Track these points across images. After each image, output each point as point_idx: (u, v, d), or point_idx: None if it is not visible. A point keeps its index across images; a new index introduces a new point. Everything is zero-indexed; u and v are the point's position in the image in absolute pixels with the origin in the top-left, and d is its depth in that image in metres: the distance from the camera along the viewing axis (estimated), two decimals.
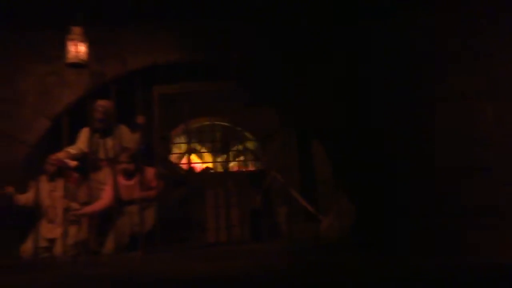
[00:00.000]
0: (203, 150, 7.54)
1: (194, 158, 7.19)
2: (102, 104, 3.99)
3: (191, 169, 5.72)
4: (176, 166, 5.57)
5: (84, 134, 4.05)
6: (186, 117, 4.36)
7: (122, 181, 3.96)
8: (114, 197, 3.85)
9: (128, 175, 3.96)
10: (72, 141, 3.99)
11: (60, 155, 3.80)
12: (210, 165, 7.05)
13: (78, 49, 3.41)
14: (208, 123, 7.21)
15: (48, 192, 4.00)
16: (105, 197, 3.88)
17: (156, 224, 3.86)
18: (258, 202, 4.74)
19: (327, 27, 4.11)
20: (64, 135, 3.91)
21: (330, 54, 4.15)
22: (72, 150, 3.89)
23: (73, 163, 3.81)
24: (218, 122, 7.08)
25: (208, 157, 7.78)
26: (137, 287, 2.90)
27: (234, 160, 7.31)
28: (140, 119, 4.01)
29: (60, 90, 3.98)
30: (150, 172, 4.10)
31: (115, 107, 3.96)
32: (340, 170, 4.33)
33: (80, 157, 3.96)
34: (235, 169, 7.11)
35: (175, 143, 5.24)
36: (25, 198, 3.86)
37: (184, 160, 6.40)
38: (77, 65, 3.53)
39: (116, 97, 3.88)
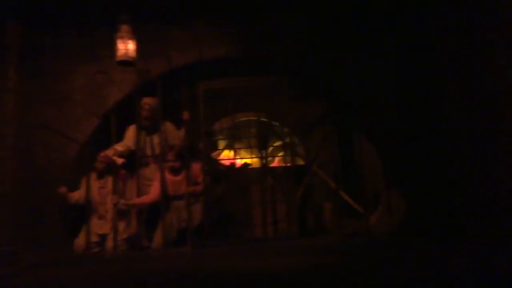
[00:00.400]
0: (240, 146, 7.52)
1: (232, 154, 7.19)
2: (147, 102, 4.03)
3: (231, 165, 5.73)
4: (216, 162, 5.59)
5: (130, 132, 4.11)
6: (230, 113, 4.33)
7: (169, 176, 4.00)
8: (161, 193, 3.90)
9: (175, 171, 4.00)
10: (120, 138, 4.07)
11: (108, 152, 3.88)
12: (248, 161, 7.03)
13: (127, 47, 3.46)
14: (245, 119, 7.18)
15: (98, 189, 4.10)
16: (153, 192, 3.93)
17: (204, 219, 3.88)
18: (299, 198, 4.69)
19: (381, 19, 4.00)
20: (112, 132, 4.00)
21: (383, 49, 4.06)
22: (119, 147, 3.96)
23: (120, 160, 3.87)
24: (255, 118, 7.03)
25: (246, 153, 7.78)
26: (188, 282, 2.92)
27: (273, 156, 7.27)
28: (185, 115, 4.03)
29: (108, 89, 4.06)
30: (196, 167, 4.12)
31: (160, 104, 4.01)
32: (391, 165, 4.23)
33: (127, 154, 4.03)
34: (275, 164, 7.06)
35: (219, 139, 5.24)
36: (77, 196, 3.96)
37: (223, 156, 6.41)
38: (126, 63, 3.58)
39: (162, 93, 3.94)
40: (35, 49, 4.08)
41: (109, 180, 4.11)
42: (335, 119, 5.65)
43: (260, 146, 5.80)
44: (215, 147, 4.76)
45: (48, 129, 4.02)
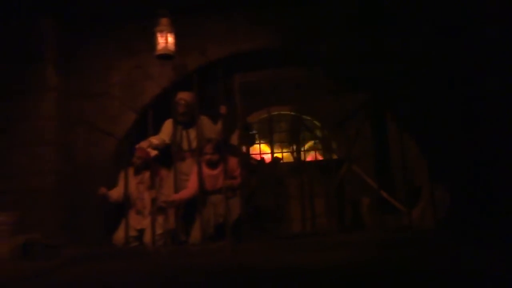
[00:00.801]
0: (270, 140, 7.46)
1: (263, 148, 7.15)
2: (183, 97, 4.00)
3: (261, 159, 5.67)
4: (248, 156, 5.55)
5: (167, 126, 4.09)
6: (264, 106, 4.25)
7: (206, 171, 3.97)
8: (199, 187, 3.88)
9: (212, 165, 3.97)
10: (157, 133, 4.06)
11: (142, 144, 3.86)
12: (279, 155, 6.97)
13: (166, 40, 3.43)
14: (276, 113, 7.11)
15: (136, 185, 4.10)
16: (191, 187, 3.91)
17: (242, 214, 3.84)
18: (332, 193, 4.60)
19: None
20: (149, 127, 3.99)
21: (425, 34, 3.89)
22: (154, 140, 3.95)
23: (153, 152, 3.85)
24: (286, 112, 6.96)
25: (275, 147, 7.73)
26: (229, 278, 2.88)
27: (304, 150, 7.17)
28: (222, 109, 3.98)
29: (145, 83, 4.05)
30: (233, 161, 4.08)
31: (197, 98, 3.97)
32: (434, 159, 4.08)
33: (162, 148, 4.02)
34: (307, 159, 6.98)
35: (255, 133, 5.18)
36: (117, 194, 3.97)
37: (254, 151, 6.37)
38: (166, 57, 3.56)
39: (198, 87, 3.91)
40: (72, 46, 4.11)
41: (146, 176, 4.11)
42: (370, 112, 5.51)
43: (292, 140, 5.71)
44: (252, 141, 4.70)
45: (87, 124, 4.05)
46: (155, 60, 4.05)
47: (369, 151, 5.64)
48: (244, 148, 4.13)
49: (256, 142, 5.37)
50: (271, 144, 4.11)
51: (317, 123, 7.18)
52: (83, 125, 4.05)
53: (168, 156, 4.21)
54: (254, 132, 5.16)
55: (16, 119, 3.80)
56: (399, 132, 4.44)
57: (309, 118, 7.16)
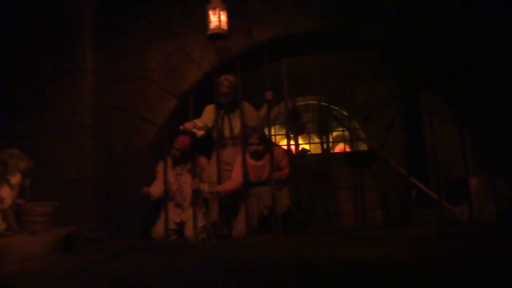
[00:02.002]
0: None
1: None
2: (227, 77, 3.77)
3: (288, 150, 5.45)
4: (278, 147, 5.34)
5: (208, 110, 3.87)
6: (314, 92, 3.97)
7: (251, 161, 3.75)
8: (244, 178, 3.67)
9: (258, 155, 3.75)
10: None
11: (187, 125, 3.64)
12: (306, 146, 6.75)
13: (220, 19, 3.19)
14: (303, 103, 6.88)
15: (175, 176, 3.89)
16: (235, 178, 3.69)
17: (290, 207, 3.63)
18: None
19: None
20: (190, 113, 3.77)
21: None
22: (198, 122, 3.73)
23: (200, 133, 3.63)
24: (313, 102, 6.72)
25: (302, 138, 7.50)
26: (282, 273, 2.69)
27: (334, 142, 6.94)
28: (268, 95, 3.74)
29: (186, 67, 3.81)
30: (278, 151, 3.86)
31: (240, 83, 3.75)
32: (489, 151, 3.86)
33: (205, 133, 3.79)
34: (335, 150, 6.76)
35: (305, 122, 4.93)
36: (158, 190, 3.76)
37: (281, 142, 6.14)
38: (219, 36, 3.32)
39: (242, 72, 3.69)
40: (108, 27, 3.88)
41: (187, 167, 3.90)
42: (407, 101, 5.28)
43: (321, 131, 5.45)
44: (301, 129, 4.48)
45: (124, 110, 3.82)
46: (196, 43, 3.83)
47: (402, 142, 5.43)
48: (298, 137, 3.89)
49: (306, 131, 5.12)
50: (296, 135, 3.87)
51: (345, 113, 6.94)
52: (120, 111, 3.82)
53: (207, 145, 4.00)
54: (304, 121, 4.88)
55: (51, 104, 3.58)
56: (457, 123, 4.18)
57: (337, 108, 6.93)
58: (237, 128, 3.88)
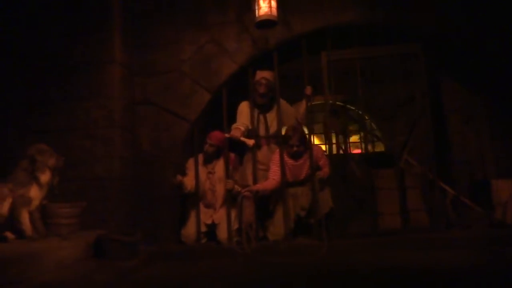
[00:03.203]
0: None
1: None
2: (265, 76, 3.54)
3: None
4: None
5: (244, 109, 3.64)
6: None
7: (288, 161, 3.53)
8: (281, 178, 3.45)
9: (297, 155, 3.52)
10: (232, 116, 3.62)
11: (234, 133, 3.42)
12: (323, 147, 6.54)
13: (270, 4, 2.96)
14: (320, 102, 6.67)
15: (206, 175, 3.65)
16: (273, 178, 3.47)
17: (334, 208, 3.41)
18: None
19: None
20: (224, 110, 3.54)
21: None
22: (241, 127, 3.50)
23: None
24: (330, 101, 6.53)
25: (318, 138, 7.30)
26: (331, 279, 2.50)
27: (353, 142, 6.76)
28: (308, 90, 3.53)
29: (219, 60, 3.57)
30: (317, 150, 3.65)
31: (277, 77, 3.53)
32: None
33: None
34: (355, 151, 6.58)
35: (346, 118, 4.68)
36: (191, 184, 3.51)
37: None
38: (268, 23, 3.09)
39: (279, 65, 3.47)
40: (137, 16, 3.63)
41: (218, 165, 3.67)
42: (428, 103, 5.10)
43: (338, 131, 5.18)
44: (344, 127, 4.26)
45: (153, 105, 3.57)
46: (230, 34, 3.60)
47: (426, 142, 5.24)
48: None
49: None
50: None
51: (366, 115, 6.76)
52: (147, 106, 3.57)
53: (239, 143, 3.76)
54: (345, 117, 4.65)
55: (77, 97, 3.32)
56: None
57: (353, 108, 6.76)
58: (273, 127, 3.66)
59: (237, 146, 3.72)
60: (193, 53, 3.59)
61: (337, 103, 6.72)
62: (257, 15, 3.05)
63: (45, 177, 2.69)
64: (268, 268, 2.85)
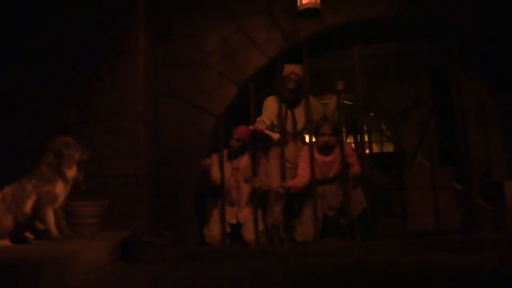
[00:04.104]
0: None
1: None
2: (295, 71, 3.39)
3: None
4: None
5: (271, 104, 3.47)
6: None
7: (318, 156, 3.39)
8: (311, 176, 3.31)
9: (327, 149, 3.38)
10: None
11: (259, 125, 3.25)
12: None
13: None
14: (327, 101, 6.55)
15: (231, 171, 3.48)
16: (302, 175, 3.32)
17: (368, 208, 3.27)
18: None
19: None
20: (250, 104, 3.38)
21: None
22: (266, 120, 3.34)
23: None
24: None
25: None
26: (371, 283, 2.35)
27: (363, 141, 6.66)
28: (340, 85, 3.40)
29: (248, 52, 3.40)
30: (348, 146, 3.52)
31: (307, 72, 3.38)
32: None
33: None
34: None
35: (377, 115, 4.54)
36: (216, 174, 3.34)
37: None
38: (310, 12, 2.93)
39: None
40: (160, 3, 3.43)
41: (243, 161, 3.50)
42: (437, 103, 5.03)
43: (350, 130, 5.11)
44: (375, 124, 4.13)
45: (176, 98, 3.38)
46: (259, 25, 3.43)
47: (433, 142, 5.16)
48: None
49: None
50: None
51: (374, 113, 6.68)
52: (171, 99, 3.38)
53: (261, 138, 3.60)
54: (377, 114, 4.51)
55: (99, 88, 3.12)
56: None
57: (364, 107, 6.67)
58: (300, 123, 3.51)
59: (261, 142, 3.57)
60: (219, 44, 3.41)
61: (346, 102, 6.62)
62: (299, 3, 2.89)
63: (71, 172, 2.47)
64: (305, 271, 2.71)
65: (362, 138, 3.48)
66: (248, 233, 3.33)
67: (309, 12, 2.94)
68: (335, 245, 3.20)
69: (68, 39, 3.17)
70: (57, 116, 3.14)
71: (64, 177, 2.45)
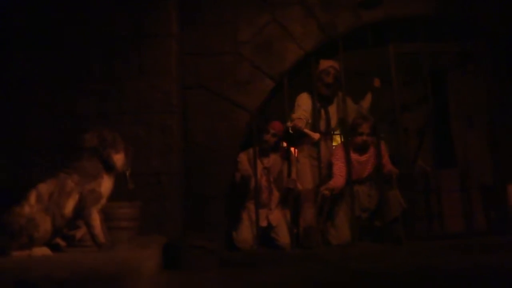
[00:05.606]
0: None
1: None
2: (333, 65, 3.24)
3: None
4: None
5: (305, 101, 3.30)
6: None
7: (353, 155, 3.26)
8: (347, 175, 3.17)
9: (363, 149, 3.26)
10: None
11: (297, 122, 3.06)
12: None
13: None
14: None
15: (262, 170, 3.26)
16: (339, 174, 3.17)
17: (406, 210, 3.18)
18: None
19: None
20: (285, 98, 3.19)
21: None
22: (303, 118, 3.16)
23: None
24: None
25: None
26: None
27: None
28: (376, 82, 3.30)
29: (283, 44, 3.19)
30: (381, 146, 3.42)
31: (342, 68, 3.25)
32: None
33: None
34: None
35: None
36: (248, 172, 3.11)
37: None
38: (372, 3, 2.77)
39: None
40: None
41: (276, 160, 3.29)
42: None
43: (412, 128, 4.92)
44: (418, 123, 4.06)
45: (207, 90, 3.10)
46: (295, 17, 3.24)
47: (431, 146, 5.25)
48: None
49: None
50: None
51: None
52: (200, 91, 3.10)
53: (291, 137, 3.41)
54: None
55: (125, 76, 2.77)
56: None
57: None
58: (334, 122, 3.37)
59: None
60: (252, 34, 3.17)
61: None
62: None
63: (120, 157, 2.13)
64: (351, 275, 2.54)
65: (402, 138, 3.39)
66: (283, 237, 3.13)
67: (372, 2, 2.80)
68: (376, 248, 3.08)
69: (90, 20, 2.79)
70: (72, 105, 2.74)
71: (110, 174, 2.10)
